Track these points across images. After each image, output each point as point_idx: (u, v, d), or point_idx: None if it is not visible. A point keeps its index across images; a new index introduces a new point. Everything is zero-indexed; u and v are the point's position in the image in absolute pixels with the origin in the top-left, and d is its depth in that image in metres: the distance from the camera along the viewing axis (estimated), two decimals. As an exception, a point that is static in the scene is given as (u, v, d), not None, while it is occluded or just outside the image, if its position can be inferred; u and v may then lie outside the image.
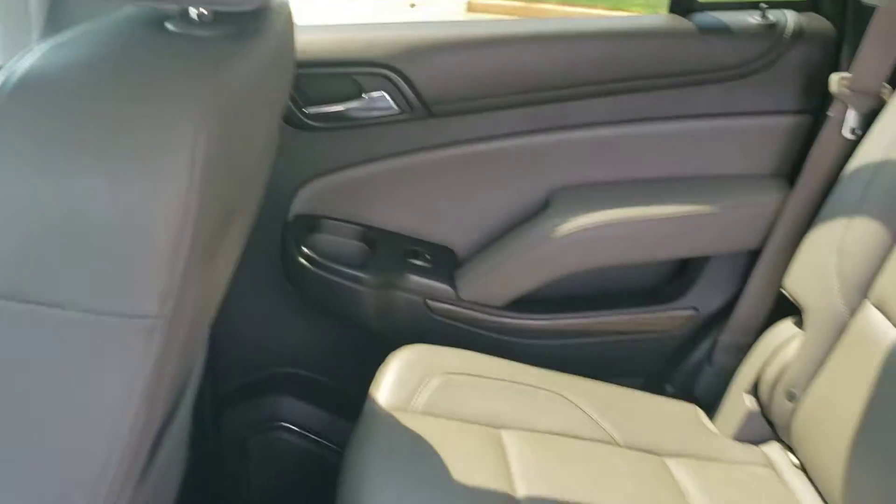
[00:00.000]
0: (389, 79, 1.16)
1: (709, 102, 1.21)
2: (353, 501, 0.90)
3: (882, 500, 0.91)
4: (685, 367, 1.28)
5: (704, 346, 1.27)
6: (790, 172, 1.21)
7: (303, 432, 1.29)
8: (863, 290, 1.02)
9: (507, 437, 1.02)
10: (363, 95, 1.17)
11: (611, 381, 1.20)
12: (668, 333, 1.28)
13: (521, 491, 0.94)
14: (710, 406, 1.21)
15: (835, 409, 1.00)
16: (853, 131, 1.11)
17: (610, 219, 1.20)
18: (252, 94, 0.60)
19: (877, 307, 1.00)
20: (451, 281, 1.23)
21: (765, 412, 1.13)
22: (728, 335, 1.24)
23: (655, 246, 1.23)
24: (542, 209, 1.24)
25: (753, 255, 1.23)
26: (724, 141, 1.22)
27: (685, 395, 1.27)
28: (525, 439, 1.02)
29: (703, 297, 1.27)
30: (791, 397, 1.08)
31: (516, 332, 1.24)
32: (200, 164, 0.50)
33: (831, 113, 1.12)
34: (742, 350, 1.20)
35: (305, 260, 1.20)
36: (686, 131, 1.22)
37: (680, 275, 1.30)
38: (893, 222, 1.01)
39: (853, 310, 1.03)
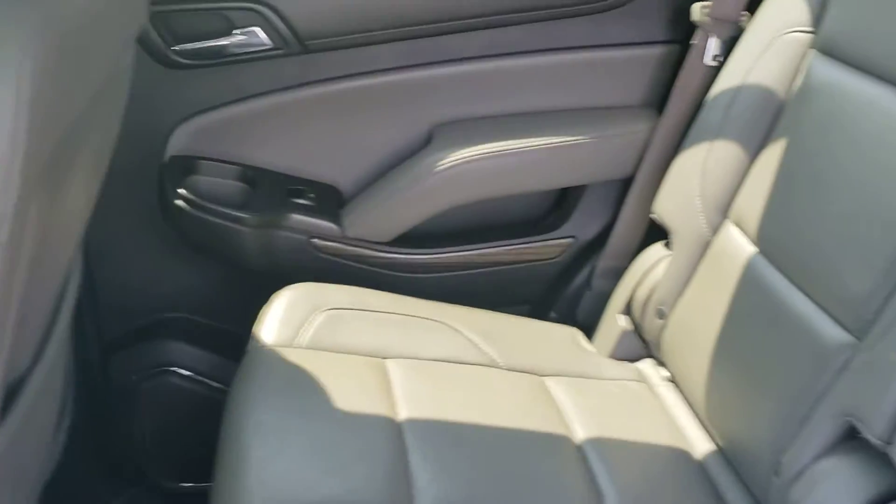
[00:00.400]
0: (261, 14, 1.14)
1: (580, 35, 1.23)
2: (236, 437, 0.91)
3: (740, 405, 0.98)
4: (567, 293, 1.33)
5: (584, 272, 1.32)
6: (660, 102, 1.26)
7: (192, 375, 1.29)
8: (723, 210, 1.08)
9: (392, 366, 1.05)
10: (234, 31, 1.14)
11: (498, 311, 1.24)
12: (549, 262, 1.32)
13: (402, 414, 0.96)
14: (591, 328, 1.26)
15: (699, 324, 1.06)
16: (715, 58, 1.16)
17: (489, 152, 1.22)
18: (88, 18, 0.58)
19: (736, 225, 1.06)
20: (335, 218, 1.23)
21: (638, 330, 1.19)
22: (605, 260, 1.29)
23: (533, 177, 1.26)
24: (424, 144, 1.26)
25: (627, 183, 1.27)
26: (595, 73, 1.25)
27: (568, 319, 1.32)
28: (409, 367, 1.05)
29: (580, 226, 1.31)
30: (660, 315, 1.14)
31: (403, 267, 1.25)
32: (28, 84, 0.49)
33: (694, 41, 1.17)
34: (618, 274, 1.25)
35: (183, 202, 1.18)
36: (559, 64, 1.25)
37: (559, 205, 1.34)
38: (750, 144, 1.06)
39: (715, 229, 1.08)
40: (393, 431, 0.94)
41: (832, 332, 0.87)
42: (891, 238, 0.83)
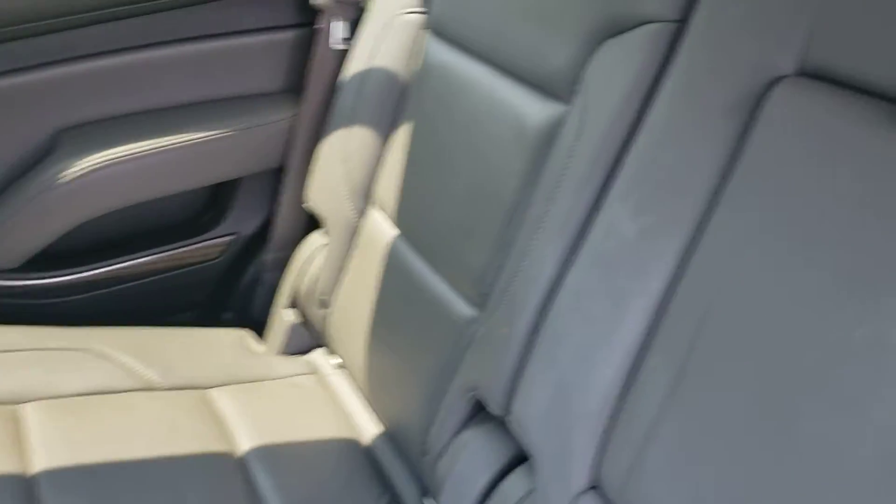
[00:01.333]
0: None
1: (209, 23, 1.16)
2: None
3: (396, 386, 1.00)
4: (238, 292, 1.29)
5: (252, 268, 1.28)
6: (300, 88, 1.23)
7: None
8: (367, 195, 1.08)
9: (28, 412, 0.94)
10: None
11: (162, 323, 1.16)
12: (213, 262, 1.27)
13: (37, 466, 0.87)
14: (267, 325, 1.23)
15: (356, 309, 1.07)
16: (344, 41, 1.15)
17: (121, 155, 1.13)
18: None
19: (379, 209, 1.06)
20: (-54, 249, 1.08)
21: (306, 323, 1.18)
22: (271, 253, 1.27)
23: (177, 177, 1.19)
24: (47, 153, 1.13)
25: (281, 173, 1.24)
26: (230, 61, 1.20)
27: (244, 318, 1.28)
28: (49, 409, 0.95)
29: (241, 221, 1.27)
30: (323, 304, 1.13)
31: (38, 292, 1.13)
32: None
33: (319, 25, 1.15)
34: (287, 265, 1.22)
35: None
36: (191, 54, 1.17)
37: (214, 203, 1.28)
38: (382, 127, 1.07)
39: (361, 214, 1.09)
40: (22, 489, 0.84)
41: (461, 308, 0.90)
42: (498, 212, 0.87)
